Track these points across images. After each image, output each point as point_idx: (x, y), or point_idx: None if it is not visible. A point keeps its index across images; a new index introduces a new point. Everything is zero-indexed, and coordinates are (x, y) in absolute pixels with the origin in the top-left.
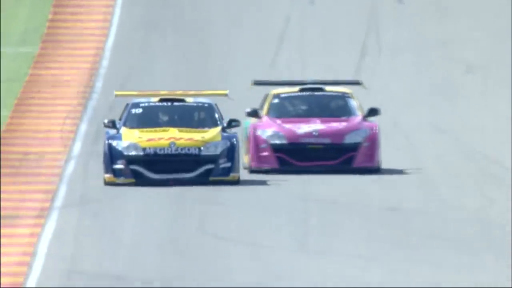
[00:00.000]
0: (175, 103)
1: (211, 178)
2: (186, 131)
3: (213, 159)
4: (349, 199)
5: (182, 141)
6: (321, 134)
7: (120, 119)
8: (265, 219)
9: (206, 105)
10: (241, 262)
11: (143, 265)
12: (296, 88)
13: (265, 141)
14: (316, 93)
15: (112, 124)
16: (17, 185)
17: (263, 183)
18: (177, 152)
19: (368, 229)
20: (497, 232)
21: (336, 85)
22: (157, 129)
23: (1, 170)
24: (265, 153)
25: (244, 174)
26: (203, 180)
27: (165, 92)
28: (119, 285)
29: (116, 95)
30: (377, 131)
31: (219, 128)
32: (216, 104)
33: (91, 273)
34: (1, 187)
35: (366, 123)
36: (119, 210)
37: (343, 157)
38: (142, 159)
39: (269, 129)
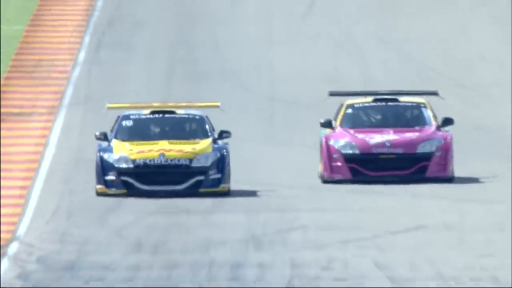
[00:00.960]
0: (166, 115)
1: (201, 190)
2: (177, 143)
3: (203, 171)
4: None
5: (172, 153)
6: (393, 144)
7: (111, 131)
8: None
9: (197, 117)
10: None
11: None
12: (370, 99)
13: (338, 151)
14: (390, 103)
15: (104, 137)
16: (32, 87)
17: None
18: (167, 164)
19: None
20: None
21: (412, 96)
22: (148, 141)
23: (19, 75)
24: (338, 163)
25: (233, 185)
26: (193, 192)
27: (157, 104)
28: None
29: (109, 108)
30: (450, 140)
31: (210, 140)
32: (207, 116)
33: (94, 160)
34: (19, 88)
35: (439, 133)
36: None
37: (416, 166)
38: (133, 171)
39: (342, 140)
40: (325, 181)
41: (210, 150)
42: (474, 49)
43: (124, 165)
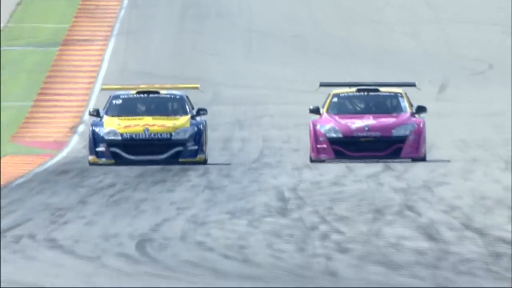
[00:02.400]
0: (151, 95)
1: (181, 159)
2: (159, 119)
3: (182, 143)
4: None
5: (155, 127)
6: (371, 128)
7: (104, 108)
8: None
9: (178, 96)
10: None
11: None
12: (354, 89)
13: (323, 135)
14: (371, 93)
15: (96, 113)
16: (92, 23)
17: None
18: (150, 137)
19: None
20: None
21: (392, 86)
22: (135, 117)
23: (83, 15)
24: (324, 145)
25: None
26: (173, 161)
27: (144, 86)
28: (147, 79)
29: (103, 88)
30: (422, 125)
31: (188, 116)
32: (187, 96)
33: (136, 71)
34: (83, 23)
35: (413, 119)
36: (152, 34)
37: (391, 148)
38: (120, 143)
39: (327, 125)
40: (313, 161)
41: (188, 125)
42: None
43: (113, 138)
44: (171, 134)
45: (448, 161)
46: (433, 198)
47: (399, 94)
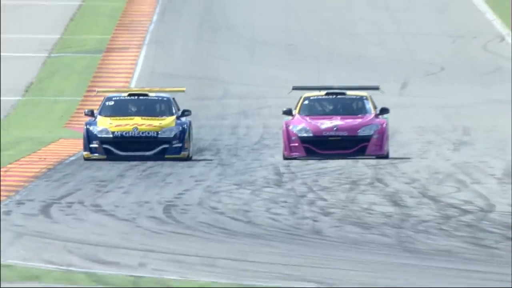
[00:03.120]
0: (141, 97)
1: (166, 156)
2: (148, 119)
3: (167, 141)
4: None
5: (143, 127)
6: (339, 128)
7: (97, 109)
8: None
9: (165, 99)
10: None
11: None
12: (323, 92)
13: (295, 134)
14: (339, 96)
15: (91, 113)
16: (126, 35)
17: None
18: (138, 135)
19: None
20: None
21: (357, 90)
22: (125, 117)
23: (122, 31)
24: (295, 144)
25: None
26: (160, 158)
27: (135, 89)
28: (171, 80)
29: (98, 91)
30: (385, 126)
31: (174, 117)
32: (174, 98)
33: (163, 73)
34: (122, 36)
35: (377, 120)
36: (176, 43)
37: (357, 147)
38: (112, 140)
39: (299, 125)
40: (286, 158)
41: (173, 125)
42: None
43: (105, 135)
44: (157, 133)
45: (409, 143)
46: (397, 172)
47: (364, 97)
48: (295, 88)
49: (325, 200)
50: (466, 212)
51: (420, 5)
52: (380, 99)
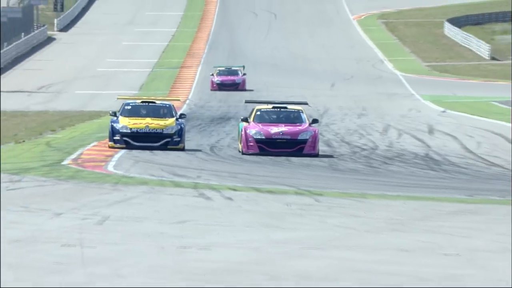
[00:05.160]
0: (150, 104)
1: (169, 147)
2: (155, 119)
3: (169, 136)
4: None
5: (152, 125)
6: (284, 133)
7: (119, 111)
8: None
9: (167, 105)
10: None
11: None
12: (270, 106)
13: (251, 136)
14: (282, 109)
15: (114, 114)
16: (191, 59)
17: None
18: (149, 131)
19: None
20: None
21: (294, 104)
22: (139, 118)
23: (190, 58)
24: (252, 144)
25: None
26: (164, 148)
27: (145, 97)
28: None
29: (118, 98)
30: (317, 132)
31: (174, 119)
32: (173, 105)
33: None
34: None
35: (311, 128)
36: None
37: (297, 147)
38: (130, 134)
39: (254, 129)
40: (244, 154)
41: (174, 124)
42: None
43: (125, 131)
44: (162, 130)
45: (334, 115)
46: (329, 129)
47: (300, 111)
48: (247, 102)
49: None
50: (364, 149)
51: (340, 43)
52: (319, 93)
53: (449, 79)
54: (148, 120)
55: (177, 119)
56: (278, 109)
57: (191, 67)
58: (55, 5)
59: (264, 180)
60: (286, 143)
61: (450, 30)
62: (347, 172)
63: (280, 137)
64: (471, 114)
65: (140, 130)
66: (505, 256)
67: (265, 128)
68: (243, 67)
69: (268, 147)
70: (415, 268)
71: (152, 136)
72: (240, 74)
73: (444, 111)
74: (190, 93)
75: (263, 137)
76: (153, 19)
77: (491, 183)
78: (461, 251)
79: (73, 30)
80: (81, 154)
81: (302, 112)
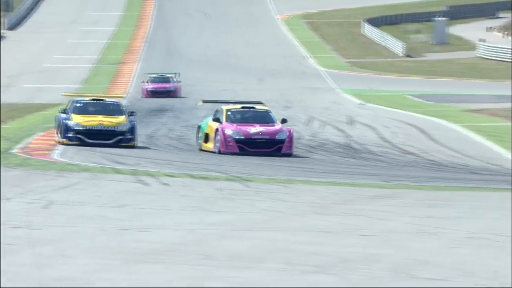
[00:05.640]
0: (100, 101)
1: (121, 144)
2: (107, 117)
3: (122, 133)
4: None
5: (105, 123)
6: (263, 133)
7: (68, 108)
8: None
9: (115, 103)
10: None
11: None
12: (239, 106)
13: (230, 136)
14: (251, 109)
15: (64, 111)
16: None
17: None
18: (103, 129)
19: None
20: None
21: (252, 104)
22: (91, 115)
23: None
24: (231, 144)
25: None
26: (116, 145)
27: (91, 94)
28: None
29: (63, 95)
30: (292, 132)
31: (124, 116)
32: (121, 102)
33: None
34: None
35: (286, 128)
36: None
37: (275, 147)
38: (83, 131)
39: (231, 129)
40: (221, 153)
41: (125, 122)
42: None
43: (78, 128)
44: (115, 127)
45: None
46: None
47: (268, 111)
48: (205, 101)
49: None
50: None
51: (267, 41)
52: (249, 87)
53: (367, 75)
54: (100, 117)
55: (128, 116)
56: (247, 109)
57: (130, 63)
58: (4, 5)
59: (198, 167)
60: (265, 143)
61: (368, 30)
62: (274, 160)
63: (259, 137)
64: (387, 107)
65: (93, 127)
66: (419, 237)
67: (242, 128)
68: (177, 74)
69: (248, 147)
70: (338, 248)
71: (105, 133)
72: (174, 81)
73: (362, 104)
74: (129, 87)
75: (242, 137)
76: (95, 18)
77: (405, 170)
78: (379, 233)
79: (21, 29)
80: (29, 143)
81: (271, 112)
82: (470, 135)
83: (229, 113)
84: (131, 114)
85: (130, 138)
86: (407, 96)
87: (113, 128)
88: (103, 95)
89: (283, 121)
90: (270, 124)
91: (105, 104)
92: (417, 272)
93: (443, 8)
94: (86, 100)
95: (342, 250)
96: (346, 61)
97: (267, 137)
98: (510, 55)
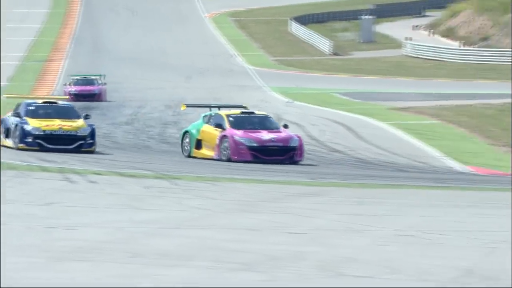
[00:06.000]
0: (53, 104)
1: (82, 149)
2: (66, 121)
3: (83, 138)
4: None
5: (66, 127)
6: (276, 140)
7: (17, 112)
8: None
9: (69, 106)
10: None
11: None
12: (238, 111)
13: (242, 144)
14: (251, 115)
15: (17, 115)
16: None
17: None
18: (63, 133)
19: None
20: None
21: (231, 108)
22: (47, 119)
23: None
24: (243, 151)
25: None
26: (77, 150)
27: (41, 96)
28: None
29: (6, 97)
30: (301, 139)
31: (82, 120)
32: (73, 105)
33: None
34: None
35: (294, 134)
36: None
37: (288, 154)
38: (43, 136)
39: (244, 137)
40: (231, 161)
41: (85, 126)
42: None
43: (37, 133)
44: (77, 132)
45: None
46: (190, 119)
47: (269, 116)
48: (188, 106)
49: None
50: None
51: (195, 39)
52: (177, 85)
53: (294, 73)
54: (58, 121)
55: (84, 120)
56: (248, 114)
57: (56, 60)
58: None
59: (126, 165)
60: (279, 151)
61: (295, 28)
62: (201, 157)
63: (272, 144)
64: (315, 105)
65: (54, 132)
66: (346, 234)
67: (253, 134)
68: (102, 76)
69: (262, 154)
70: (265, 246)
71: (66, 138)
72: (99, 84)
73: (290, 102)
74: (55, 84)
75: (256, 145)
76: (22, 16)
77: (333, 168)
78: (306, 230)
79: None
80: None
81: (271, 117)
82: (397, 133)
83: (231, 118)
84: (86, 117)
85: (91, 143)
86: (334, 94)
87: (74, 133)
88: (52, 97)
89: (285, 126)
90: (275, 130)
91: (59, 107)
92: (344, 269)
93: (370, 7)
94: (38, 103)
95: (269, 248)
96: (274, 59)
97: (281, 144)
98: (437, 53)
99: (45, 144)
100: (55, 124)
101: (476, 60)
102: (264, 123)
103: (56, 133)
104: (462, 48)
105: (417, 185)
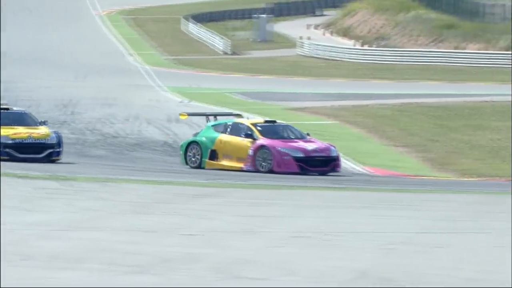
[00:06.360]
0: (8, 111)
1: (52, 158)
2: (30, 128)
3: (52, 146)
4: None
5: (35, 135)
6: (319, 150)
7: None
8: None
9: (25, 111)
10: None
11: None
12: (262, 120)
13: (288, 154)
14: (274, 124)
15: None
16: None
17: None
18: (34, 142)
19: None
20: None
21: (230, 116)
22: (14, 127)
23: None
24: (289, 162)
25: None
26: (47, 160)
27: None
28: None
29: None
30: (336, 148)
31: (45, 126)
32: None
33: None
34: None
35: (329, 144)
36: None
37: (330, 164)
38: (13, 145)
39: (286, 147)
40: (275, 172)
41: (51, 134)
42: None
43: (7, 141)
44: (46, 139)
45: (84, 105)
46: (83, 119)
47: (290, 125)
48: (190, 114)
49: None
50: (113, 137)
51: (88, 37)
52: (67, 84)
53: (190, 72)
54: (22, 129)
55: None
56: (272, 124)
57: None
58: None
59: (17, 166)
60: (323, 161)
61: (191, 27)
62: (95, 158)
63: (317, 154)
64: (210, 104)
65: (24, 140)
66: (241, 236)
67: (294, 144)
68: None
69: (307, 165)
70: (159, 248)
71: (36, 147)
72: None
73: (184, 102)
74: None
75: (302, 155)
76: None
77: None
78: (200, 232)
79: None
80: None
81: (292, 126)
82: None
83: (258, 127)
84: (44, 123)
85: (59, 151)
86: (230, 94)
87: (43, 141)
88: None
89: (308, 135)
90: (303, 139)
91: (16, 113)
92: (240, 271)
93: (264, 5)
94: None
95: (164, 250)
96: (169, 58)
97: (323, 154)
98: (333, 53)
99: (15, 154)
100: (23, 132)
101: (372, 60)
102: (288, 132)
103: (26, 141)
104: (358, 47)
105: (313, 186)
